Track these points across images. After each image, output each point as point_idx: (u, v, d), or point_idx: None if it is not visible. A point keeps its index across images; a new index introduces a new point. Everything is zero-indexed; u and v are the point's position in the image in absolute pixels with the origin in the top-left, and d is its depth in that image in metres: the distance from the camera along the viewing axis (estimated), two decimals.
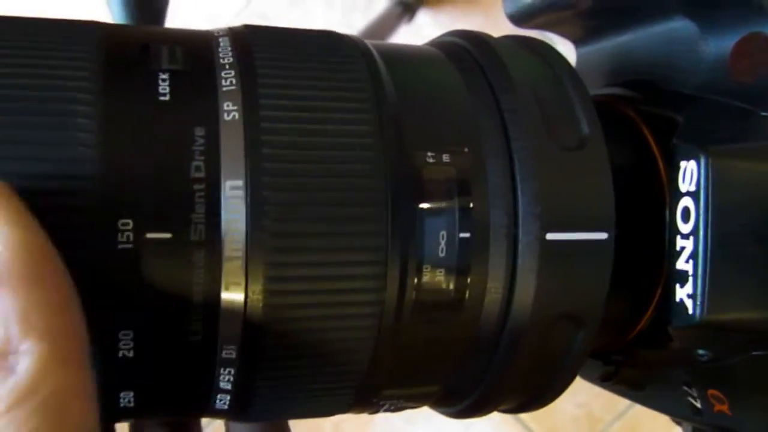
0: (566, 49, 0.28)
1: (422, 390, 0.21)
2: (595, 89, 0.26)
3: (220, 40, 0.19)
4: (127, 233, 0.16)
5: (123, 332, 0.17)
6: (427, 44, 0.23)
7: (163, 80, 0.18)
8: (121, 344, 0.17)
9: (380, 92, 0.19)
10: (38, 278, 0.15)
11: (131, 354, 0.17)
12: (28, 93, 0.16)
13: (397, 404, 0.21)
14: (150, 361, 0.17)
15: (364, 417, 0.62)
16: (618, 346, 0.24)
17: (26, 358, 0.14)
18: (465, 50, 0.21)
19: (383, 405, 0.21)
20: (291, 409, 0.20)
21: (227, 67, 0.18)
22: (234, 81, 0.18)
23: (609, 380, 0.26)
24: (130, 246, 0.16)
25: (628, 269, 0.21)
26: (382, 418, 0.72)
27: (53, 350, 0.14)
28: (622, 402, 0.70)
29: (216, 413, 0.19)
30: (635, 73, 0.25)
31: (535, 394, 0.22)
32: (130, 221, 0.16)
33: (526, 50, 0.22)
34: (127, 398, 0.18)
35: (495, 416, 0.62)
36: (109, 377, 0.17)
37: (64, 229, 0.16)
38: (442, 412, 0.23)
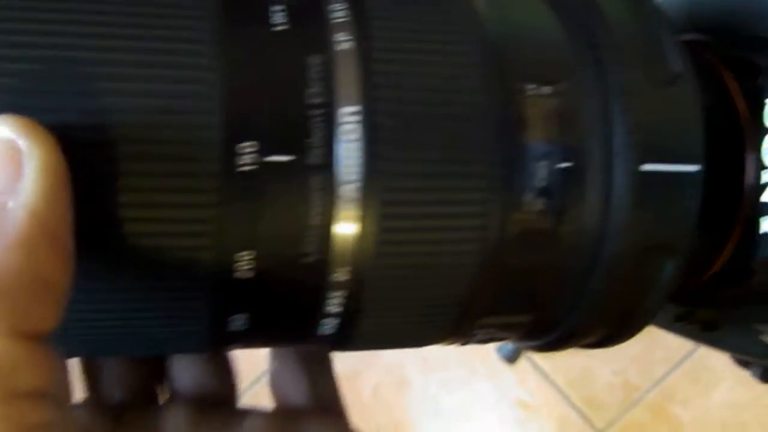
0: None
1: (516, 319, 0.21)
2: None
3: None
4: (248, 156, 0.17)
5: (241, 254, 0.17)
6: None
7: (277, 10, 0.18)
8: (238, 265, 0.17)
9: (481, 25, 0.19)
10: (34, 252, 0.14)
11: (251, 275, 0.18)
12: (146, 20, 0.17)
13: (490, 334, 0.22)
14: (267, 282, 0.18)
15: (402, 384, 0.63)
16: (695, 286, 0.25)
17: None
18: None
19: (476, 335, 0.21)
20: (392, 336, 0.21)
21: (337, 0, 0.19)
22: (345, 13, 0.18)
23: (683, 321, 0.26)
24: (251, 168, 0.17)
25: (711, 206, 0.22)
26: (420, 384, 0.74)
27: (7, 321, 0.14)
28: (659, 369, 0.71)
29: (318, 339, 0.20)
30: (712, 19, 0.25)
31: (620, 326, 0.22)
32: (251, 143, 0.17)
33: None
34: (241, 321, 0.18)
35: (532, 382, 0.63)
36: (226, 299, 0.18)
37: (186, 144, 0.16)
38: (526, 346, 0.24)
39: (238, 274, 0.18)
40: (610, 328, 0.22)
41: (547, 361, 0.68)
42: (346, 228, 0.18)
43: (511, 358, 0.67)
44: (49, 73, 0.16)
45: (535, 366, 0.68)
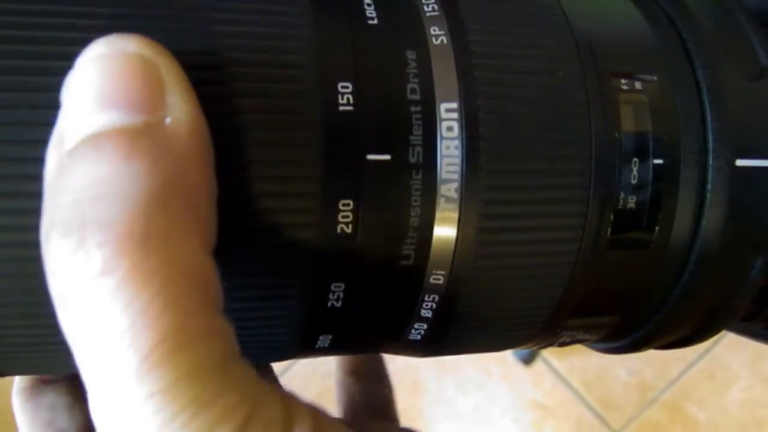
0: None
1: (604, 320, 0.21)
2: None
3: None
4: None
5: (341, 227, 0.17)
6: None
7: (368, 5, 0.18)
8: (339, 237, 0.17)
9: (572, 20, 0.19)
10: (198, 163, 0.14)
11: (349, 245, 0.17)
12: (244, 16, 0.16)
13: (575, 335, 0.21)
14: (363, 273, 0.17)
15: (416, 387, 0.62)
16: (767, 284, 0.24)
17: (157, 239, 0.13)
18: None
19: (561, 336, 0.21)
20: (481, 340, 0.20)
21: None
22: (436, 7, 0.18)
23: (751, 320, 0.26)
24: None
25: None
26: (435, 387, 0.73)
27: (184, 232, 0.13)
28: (674, 369, 0.71)
29: (407, 345, 0.19)
30: None
31: (702, 326, 0.22)
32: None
33: None
34: (338, 292, 0.17)
35: (547, 383, 0.62)
36: (324, 267, 0.17)
37: (282, 148, 0.16)
38: (603, 348, 0.23)
39: (337, 269, 0.17)
40: (693, 327, 0.22)
41: (562, 362, 0.68)
42: (445, 229, 0.17)
43: (527, 359, 0.67)
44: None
45: (551, 367, 0.68)
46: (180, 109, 0.14)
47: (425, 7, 0.18)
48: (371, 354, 0.27)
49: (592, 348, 0.24)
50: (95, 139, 0.13)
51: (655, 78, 0.19)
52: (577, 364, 0.68)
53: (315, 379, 0.71)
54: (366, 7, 0.18)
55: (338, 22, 0.17)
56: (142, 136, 0.13)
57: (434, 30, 0.18)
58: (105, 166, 0.13)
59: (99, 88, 0.13)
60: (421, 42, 0.17)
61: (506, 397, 0.71)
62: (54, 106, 0.14)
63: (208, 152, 0.14)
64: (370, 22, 0.17)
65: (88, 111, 0.13)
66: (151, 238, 0.13)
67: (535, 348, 0.22)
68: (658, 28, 0.20)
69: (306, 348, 0.19)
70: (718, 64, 0.19)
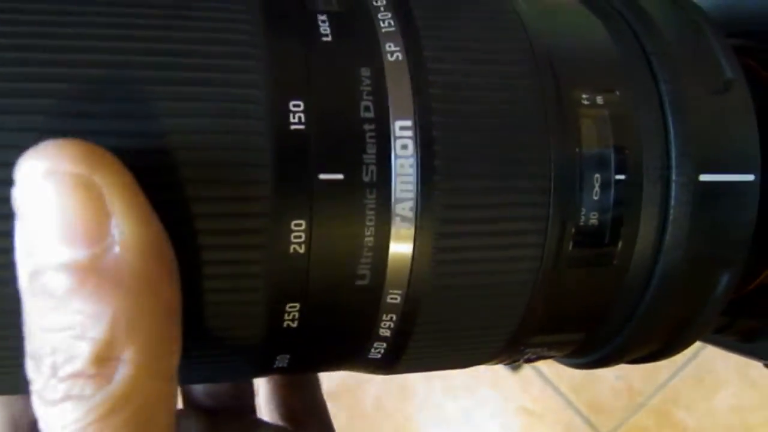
0: None
1: (568, 337, 0.21)
2: None
3: None
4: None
5: (294, 248, 0.16)
6: None
7: (323, 21, 0.17)
8: (293, 261, 0.16)
9: (532, 34, 0.19)
10: (154, 283, 0.14)
11: (303, 271, 0.16)
12: (191, 35, 0.16)
13: (540, 352, 0.21)
14: (318, 296, 0.17)
15: (405, 392, 0.62)
16: (738, 296, 0.24)
17: (125, 367, 0.13)
18: None
19: (527, 353, 0.21)
20: (441, 359, 0.20)
21: (383, 9, 0.18)
22: (391, 22, 0.18)
23: (722, 332, 0.26)
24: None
25: (761, 214, 0.21)
26: (423, 392, 0.73)
27: (151, 361, 0.14)
28: (662, 374, 0.71)
29: (366, 363, 0.19)
30: (750, 23, 0.25)
31: (671, 341, 0.21)
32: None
33: None
34: (293, 312, 0.17)
35: (535, 388, 0.62)
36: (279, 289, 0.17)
37: (233, 168, 0.16)
38: (571, 363, 0.23)
39: (291, 290, 0.17)
40: (662, 343, 0.22)
41: (550, 367, 0.68)
42: (401, 249, 0.17)
43: (515, 366, 0.67)
44: (101, 93, 0.15)
45: (539, 372, 0.68)
46: (127, 231, 0.13)
47: (381, 22, 0.18)
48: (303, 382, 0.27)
49: (561, 362, 0.24)
50: (51, 274, 0.13)
51: (617, 93, 0.19)
52: (565, 369, 0.68)
53: None
54: (320, 23, 0.17)
55: (290, 38, 0.17)
56: (88, 272, 0.13)
57: (389, 46, 0.17)
58: (60, 302, 0.13)
59: (49, 219, 0.13)
60: (375, 59, 0.17)
61: (495, 402, 0.70)
62: None
63: (167, 268, 0.14)
64: (323, 39, 0.17)
65: (43, 240, 0.13)
66: (103, 375, 0.13)
67: (499, 365, 0.22)
68: (622, 42, 0.20)
69: (264, 368, 0.19)
70: (681, 78, 0.19)
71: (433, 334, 0.18)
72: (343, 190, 0.16)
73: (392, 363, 0.19)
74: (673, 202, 0.19)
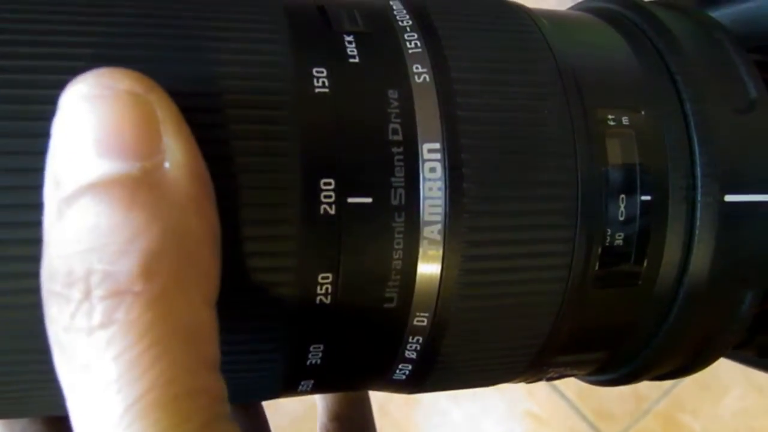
0: None
1: (591, 356, 0.21)
2: None
3: (392, 3, 0.19)
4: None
5: (322, 298, 0.16)
6: (574, 9, 0.23)
7: (350, 43, 0.17)
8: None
9: (557, 54, 0.19)
10: (201, 205, 0.14)
11: (328, 300, 0.16)
12: (226, 57, 0.16)
13: (563, 371, 0.21)
14: (347, 332, 0.17)
15: (410, 398, 0.62)
16: (761, 310, 0.24)
17: (172, 286, 0.13)
18: (620, 14, 0.21)
19: (548, 372, 0.21)
20: (466, 379, 0.20)
21: (408, 29, 0.18)
22: (418, 44, 0.18)
23: (741, 348, 0.26)
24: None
25: None
26: (428, 398, 0.73)
27: (197, 283, 0.13)
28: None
29: (391, 384, 0.19)
30: (763, 39, 0.25)
31: (694, 359, 0.21)
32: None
33: (679, 13, 0.21)
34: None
35: (541, 393, 0.62)
36: (304, 323, 0.17)
37: (267, 190, 0.15)
38: (593, 381, 0.23)
39: (318, 299, 0.17)
40: (685, 360, 0.22)
41: None
42: (428, 271, 0.17)
43: None
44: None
45: None
46: (178, 151, 0.13)
47: (408, 44, 0.18)
48: (356, 396, 0.26)
49: (583, 380, 0.24)
50: (93, 189, 0.13)
51: (643, 112, 0.19)
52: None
53: None
54: (347, 44, 0.17)
55: (318, 60, 0.17)
56: (141, 185, 0.13)
57: (417, 68, 0.17)
58: (104, 217, 0.13)
59: (92, 131, 0.13)
60: (403, 80, 0.17)
61: (501, 407, 0.70)
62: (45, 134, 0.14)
63: (210, 196, 0.14)
64: (351, 60, 0.17)
65: (83, 157, 0.13)
66: (150, 291, 0.13)
67: (522, 383, 0.22)
68: (646, 61, 0.20)
69: (288, 391, 0.19)
70: (706, 98, 0.19)
71: (458, 356, 0.18)
72: (372, 213, 0.16)
73: (418, 384, 0.19)
74: (698, 222, 0.19)
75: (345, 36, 0.17)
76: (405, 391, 0.20)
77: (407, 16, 0.18)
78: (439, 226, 0.17)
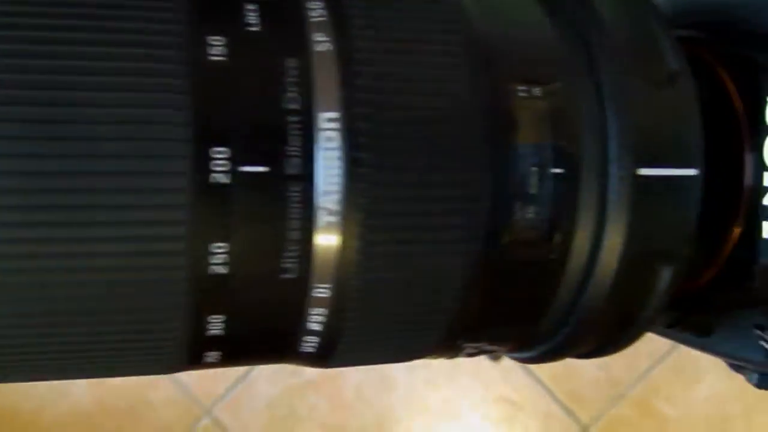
0: None
1: (506, 332, 0.20)
2: None
3: None
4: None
5: (216, 269, 0.16)
6: None
7: (250, 10, 0.17)
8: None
9: (468, 23, 0.18)
10: None
11: (223, 270, 0.16)
12: (118, 24, 0.16)
13: (480, 347, 0.21)
14: (244, 300, 0.17)
15: (386, 381, 0.62)
16: (689, 291, 0.24)
17: None
18: None
19: (464, 348, 0.20)
20: (376, 352, 0.19)
21: None
22: (323, 12, 0.17)
23: (675, 326, 0.25)
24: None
25: (706, 210, 0.21)
26: (404, 381, 0.73)
27: None
28: (643, 364, 0.71)
29: (301, 357, 0.19)
30: (706, 14, 0.24)
31: (615, 335, 0.21)
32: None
33: None
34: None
35: (516, 378, 0.62)
36: (199, 294, 0.16)
37: (157, 158, 0.15)
38: (518, 358, 0.23)
39: (212, 270, 0.16)
40: (607, 338, 0.21)
41: None
42: (327, 242, 0.17)
43: (494, 356, 0.66)
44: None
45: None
46: None
47: (312, 12, 0.17)
48: None
49: (509, 357, 0.23)
50: None
51: (557, 84, 0.19)
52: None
53: (284, 374, 0.70)
54: (248, 12, 0.17)
55: (216, 28, 0.16)
56: None
57: (318, 36, 0.17)
58: None
59: None
60: (303, 49, 0.17)
61: (476, 392, 0.70)
62: None
63: None
64: (250, 28, 0.17)
65: None
66: None
67: (440, 358, 0.21)
68: (564, 32, 0.19)
69: (194, 363, 0.18)
70: (623, 71, 0.19)
71: (365, 328, 0.18)
72: (266, 182, 0.16)
73: (327, 357, 0.19)
74: (611, 196, 0.18)
75: (247, 4, 0.17)
76: (316, 365, 0.20)
77: None
78: (337, 196, 0.16)
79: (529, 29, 0.19)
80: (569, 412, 0.70)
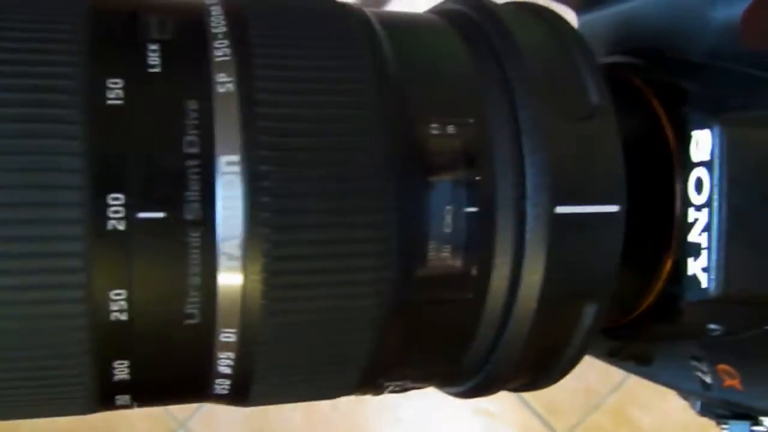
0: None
1: (428, 370, 0.20)
2: (599, 57, 0.25)
3: (212, 8, 0.18)
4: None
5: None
6: (428, 11, 0.22)
7: (153, 51, 0.17)
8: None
9: (381, 62, 0.18)
10: None
11: (124, 317, 0.16)
12: (11, 68, 0.16)
13: (403, 385, 0.20)
14: (145, 336, 0.16)
15: None
16: (626, 321, 0.24)
17: None
18: (468, 17, 0.20)
19: (388, 386, 0.20)
20: (293, 392, 0.19)
21: (220, 36, 0.17)
22: (227, 51, 0.17)
23: (616, 356, 0.25)
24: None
25: (638, 243, 0.20)
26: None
27: None
28: (618, 375, 0.71)
29: (216, 398, 0.19)
30: (640, 41, 0.24)
31: (542, 372, 0.21)
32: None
33: (532, 17, 0.21)
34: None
35: None
36: (101, 340, 0.16)
37: (53, 207, 0.15)
38: (449, 392, 0.23)
39: (114, 316, 0.16)
40: (534, 374, 0.21)
41: None
42: (229, 287, 0.16)
43: None
44: None
45: None
46: None
47: (216, 51, 0.17)
48: None
49: (441, 390, 0.23)
50: None
51: (471, 120, 0.18)
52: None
53: None
54: (150, 53, 0.17)
55: (114, 70, 0.16)
56: None
57: (221, 77, 0.17)
58: None
59: None
60: (204, 90, 0.16)
61: (451, 403, 0.70)
62: None
63: None
64: (151, 69, 0.16)
65: None
66: None
67: (365, 395, 0.21)
68: (483, 67, 0.19)
69: (107, 405, 0.18)
70: (540, 105, 0.18)
71: (278, 371, 0.18)
72: (164, 228, 0.16)
73: (242, 398, 0.19)
74: (528, 235, 0.18)
75: (149, 44, 0.17)
76: (234, 404, 0.19)
77: (223, 23, 0.18)
78: (237, 241, 0.16)
79: (444, 63, 0.19)
80: (546, 423, 0.70)
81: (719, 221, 0.19)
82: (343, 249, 0.17)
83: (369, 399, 0.73)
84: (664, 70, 0.23)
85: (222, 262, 0.16)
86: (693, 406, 0.27)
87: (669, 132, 0.22)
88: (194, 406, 0.70)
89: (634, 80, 0.23)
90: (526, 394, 0.70)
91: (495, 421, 0.70)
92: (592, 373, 0.68)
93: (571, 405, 0.70)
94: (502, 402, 0.70)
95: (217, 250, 0.16)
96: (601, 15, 0.26)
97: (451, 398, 0.61)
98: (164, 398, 0.19)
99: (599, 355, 0.26)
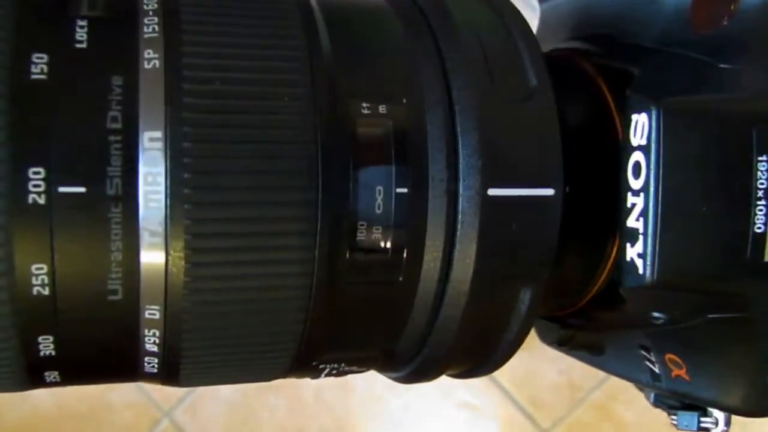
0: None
1: (363, 354, 0.20)
2: (558, 43, 0.25)
3: None
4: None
5: (40, 294, 0.16)
6: None
7: (81, 27, 0.17)
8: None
9: (313, 40, 0.18)
10: None
11: (46, 291, 0.16)
12: None
13: (340, 368, 0.20)
14: (67, 311, 0.16)
15: (346, 385, 0.61)
16: (574, 309, 0.23)
17: None
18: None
19: (324, 369, 0.20)
20: (226, 374, 0.19)
21: (150, 13, 0.17)
22: (156, 28, 0.17)
23: (566, 344, 0.25)
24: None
25: (581, 227, 0.20)
26: (363, 385, 0.72)
27: None
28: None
29: (147, 377, 0.19)
30: (596, 27, 0.24)
31: (481, 358, 0.21)
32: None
33: None
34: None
35: (477, 382, 0.61)
36: (24, 315, 0.16)
37: None
38: (390, 377, 0.23)
39: (35, 290, 0.16)
40: (474, 359, 0.21)
41: None
42: (152, 264, 0.16)
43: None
44: None
45: None
46: None
47: (145, 28, 0.17)
48: None
49: (384, 375, 0.23)
50: None
51: (404, 100, 0.18)
52: (507, 363, 0.67)
53: None
54: (78, 29, 0.16)
55: (40, 46, 0.16)
56: None
57: (148, 53, 0.17)
58: None
59: None
60: (130, 66, 0.16)
61: (436, 396, 0.70)
62: None
63: None
64: (77, 45, 0.16)
65: None
66: None
67: (304, 378, 0.21)
68: (419, 48, 0.19)
69: (36, 383, 0.18)
70: (475, 86, 0.18)
71: (206, 350, 0.18)
72: (85, 203, 0.16)
73: (173, 377, 0.18)
74: (460, 216, 0.18)
75: (78, 20, 0.17)
76: (169, 384, 0.19)
77: (155, 0, 0.17)
78: (159, 218, 0.16)
79: (380, 44, 0.19)
80: (530, 417, 0.69)
81: (654, 206, 0.18)
82: (268, 227, 0.17)
83: (354, 392, 0.73)
84: (613, 54, 0.22)
85: (144, 238, 0.16)
86: (647, 398, 0.27)
87: (616, 116, 0.21)
88: (180, 395, 0.70)
89: (585, 65, 0.23)
90: (510, 388, 0.69)
91: (479, 415, 0.70)
92: (576, 368, 0.68)
93: (555, 400, 0.69)
94: (486, 396, 0.70)
95: (138, 226, 0.16)
96: (561, 2, 0.26)
97: (435, 391, 0.60)
98: (94, 376, 0.19)
99: (551, 344, 0.26)
